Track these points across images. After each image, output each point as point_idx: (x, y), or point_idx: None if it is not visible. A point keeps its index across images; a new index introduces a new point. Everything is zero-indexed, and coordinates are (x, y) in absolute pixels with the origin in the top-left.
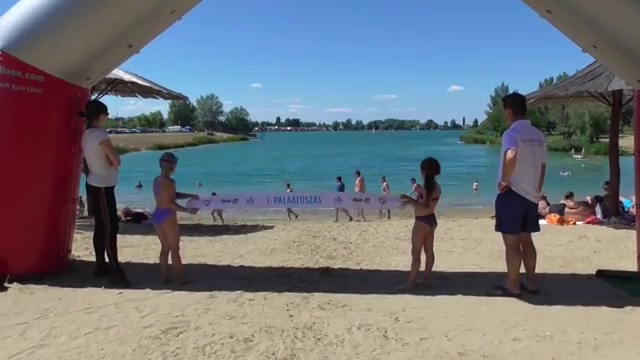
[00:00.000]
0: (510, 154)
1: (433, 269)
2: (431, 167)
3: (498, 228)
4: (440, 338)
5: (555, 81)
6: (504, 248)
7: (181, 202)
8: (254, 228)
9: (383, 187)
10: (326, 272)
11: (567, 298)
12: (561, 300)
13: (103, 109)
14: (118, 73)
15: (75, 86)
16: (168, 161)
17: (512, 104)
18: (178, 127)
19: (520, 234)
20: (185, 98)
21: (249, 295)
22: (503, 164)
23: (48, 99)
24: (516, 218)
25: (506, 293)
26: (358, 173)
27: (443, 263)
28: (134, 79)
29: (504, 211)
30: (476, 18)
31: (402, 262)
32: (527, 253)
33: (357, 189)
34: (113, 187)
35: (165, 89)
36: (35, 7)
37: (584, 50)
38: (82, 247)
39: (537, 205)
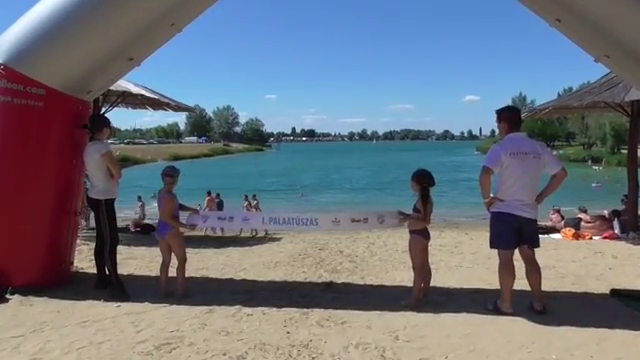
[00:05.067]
0: (482, 173)
1: (439, 284)
2: (427, 179)
3: (490, 244)
4: (440, 359)
5: (575, 90)
6: (514, 263)
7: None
8: (261, 240)
9: (245, 205)
10: (329, 287)
11: (577, 318)
12: (571, 320)
13: (106, 123)
14: (127, 86)
15: (76, 99)
16: (170, 175)
17: (507, 118)
18: (194, 138)
19: (521, 249)
20: (193, 110)
21: (248, 310)
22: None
23: (49, 112)
24: (507, 234)
25: (496, 310)
26: (209, 193)
27: (450, 278)
28: (142, 91)
29: (495, 228)
30: (492, 27)
31: (407, 277)
32: (529, 270)
33: (208, 210)
34: (113, 200)
35: (174, 101)
36: (36, 22)
37: (596, 59)
38: (87, 259)
39: (534, 220)
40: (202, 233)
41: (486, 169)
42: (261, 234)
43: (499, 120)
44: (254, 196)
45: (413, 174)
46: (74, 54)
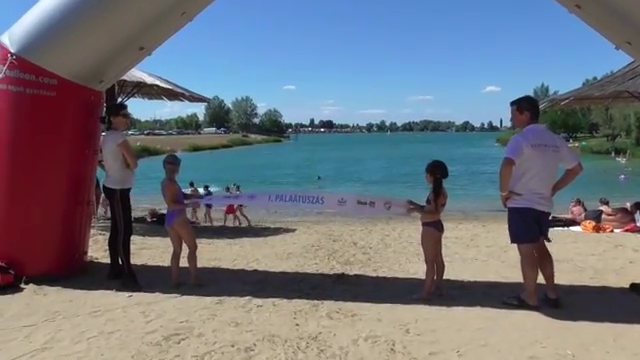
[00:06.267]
0: (504, 164)
1: (452, 277)
2: (440, 170)
3: (512, 240)
4: (450, 353)
5: (599, 80)
6: None
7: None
8: (276, 231)
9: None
10: (340, 279)
11: (595, 313)
12: (588, 315)
13: (121, 110)
14: (142, 76)
15: (88, 89)
16: (171, 163)
17: (530, 108)
18: (213, 129)
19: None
20: (208, 100)
21: (258, 301)
22: (499, 173)
23: (61, 102)
24: (528, 227)
25: (522, 304)
26: (192, 184)
27: (464, 271)
28: (157, 82)
29: (515, 223)
30: (512, 16)
31: (421, 269)
32: (543, 261)
33: None
34: (129, 189)
35: (188, 91)
36: (47, 12)
37: (617, 47)
38: (102, 248)
39: (549, 214)
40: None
41: (508, 160)
42: (244, 224)
43: (520, 110)
44: (237, 188)
45: (427, 165)
46: (85, 44)
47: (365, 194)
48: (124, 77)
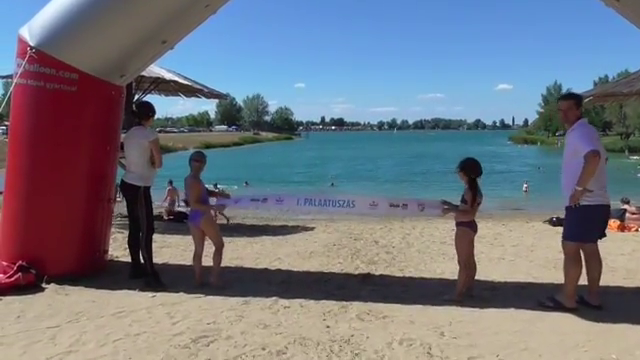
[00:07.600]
0: (594, 157)
1: (482, 278)
2: (475, 169)
3: (571, 237)
4: (490, 357)
5: (612, 79)
6: (560, 256)
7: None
8: (295, 229)
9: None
10: (366, 279)
11: (633, 315)
12: (626, 317)
13: (153, 110)
14: (160, 72)
15: (109, 83)
16: (198, 160)
17: (581, 104)
18: (225, 127)
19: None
20: (225, 96)
21: (285, 302)
22: (585, 168)
23: (82, 97)
24: (595, 226)
25: (558, 306)
26: (170, 183)
27: (493, 272)
28: (175, 78)
29: (583, 221)
30: (525, 12)
31: (448, 269)
32: (592, 264)
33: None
34: (149, 187)
35: (206, 88)
36: (67, 4)
37: None
38: (121, 247)
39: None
40: (236, 221)
41: (597, 152)
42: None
43: (577, 105)
44: (215, 185)
45: (460, 163)
46: (106, 37)
47: (380, 195)
48: (142, 72)
